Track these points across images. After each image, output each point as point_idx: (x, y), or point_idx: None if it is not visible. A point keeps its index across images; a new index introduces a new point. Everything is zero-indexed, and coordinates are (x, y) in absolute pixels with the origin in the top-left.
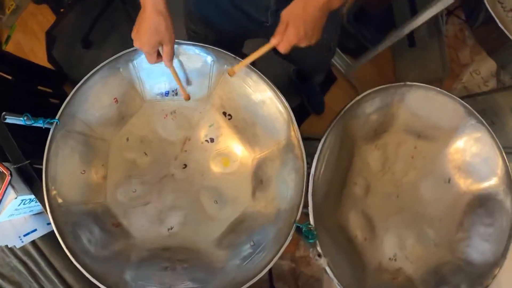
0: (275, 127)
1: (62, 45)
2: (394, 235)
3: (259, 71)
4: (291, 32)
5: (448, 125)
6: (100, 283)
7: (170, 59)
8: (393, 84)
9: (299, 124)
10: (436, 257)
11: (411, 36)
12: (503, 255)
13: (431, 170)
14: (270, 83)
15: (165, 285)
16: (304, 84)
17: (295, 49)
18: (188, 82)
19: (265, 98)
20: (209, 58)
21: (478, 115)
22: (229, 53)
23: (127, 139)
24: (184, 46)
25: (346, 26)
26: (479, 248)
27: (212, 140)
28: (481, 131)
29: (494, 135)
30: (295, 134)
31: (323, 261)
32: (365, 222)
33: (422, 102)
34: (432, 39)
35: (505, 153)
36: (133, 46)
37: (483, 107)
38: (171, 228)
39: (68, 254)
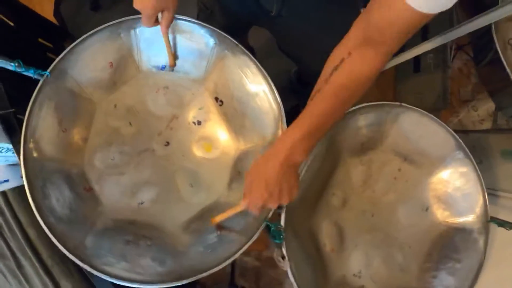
0: (264, 122)
1: (71, 2)
2: (362, 252)
3: (260, 64)
4: (254, 194)
5: (436, 154)
6: (60, 243)
7: (168, 26)
8: (389, 103)
9: None
10: (400, 282)
11: (417, 61)
12: None
13: (411, 195)
14: (267, 76)
15: (124, 258)
16: (303, 88)
17: (296, 47)
18: (176, 57)
19: (260, 91)
20: (211, 41)
21: (467, 150)
22: (232, 40)
23: (115, 106)
24: (189, 24)
25: None
26: (443, 281)
27: (199, 122)
28: (467, 166)
29: (480, 173)
30: None
31: (285, 264)
32: (336, 234)
33: (415, 126)
34: (437, 69)
35: (488, 194)
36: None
37: (474, 144)
38: (142, 203)
39: (33, 208)
